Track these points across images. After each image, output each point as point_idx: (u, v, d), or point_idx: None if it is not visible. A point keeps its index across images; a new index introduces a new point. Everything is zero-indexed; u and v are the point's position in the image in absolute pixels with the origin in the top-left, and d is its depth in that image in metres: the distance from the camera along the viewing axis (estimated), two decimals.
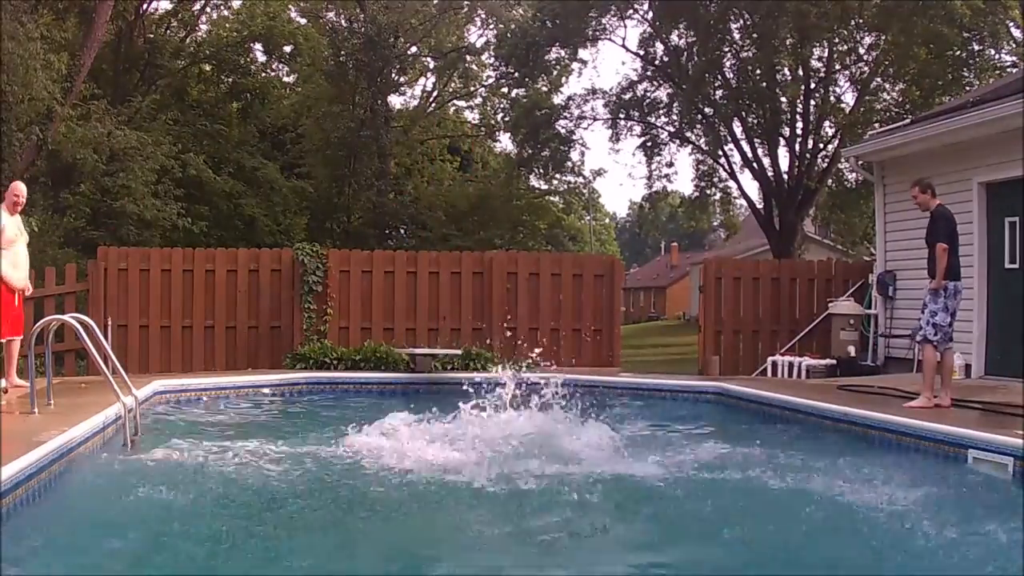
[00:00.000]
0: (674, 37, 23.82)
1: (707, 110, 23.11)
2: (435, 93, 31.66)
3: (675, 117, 24.59)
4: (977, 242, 10.03)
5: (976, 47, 19.55)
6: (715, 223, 35.30)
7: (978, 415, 6.84)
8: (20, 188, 8.14)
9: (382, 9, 25.10)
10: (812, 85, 21.96)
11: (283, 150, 27.26)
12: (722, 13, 21.52)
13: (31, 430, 5.26)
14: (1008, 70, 18.48)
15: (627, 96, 24.67)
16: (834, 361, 11.46)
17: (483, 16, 28.54)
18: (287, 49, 28.51)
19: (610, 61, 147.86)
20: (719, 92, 22.97)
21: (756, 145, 23.07)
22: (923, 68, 19.66)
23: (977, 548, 4.16)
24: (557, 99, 26.61)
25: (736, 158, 23.84)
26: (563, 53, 25.43)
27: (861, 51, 21.48)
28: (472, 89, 31.24)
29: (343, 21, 27.44)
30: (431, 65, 30.45)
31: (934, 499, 4.92)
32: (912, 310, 11.16)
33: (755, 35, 21.40)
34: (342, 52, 25.13)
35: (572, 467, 5.64)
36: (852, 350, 11.58)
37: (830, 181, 23.27)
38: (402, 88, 30.35)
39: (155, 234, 19.10)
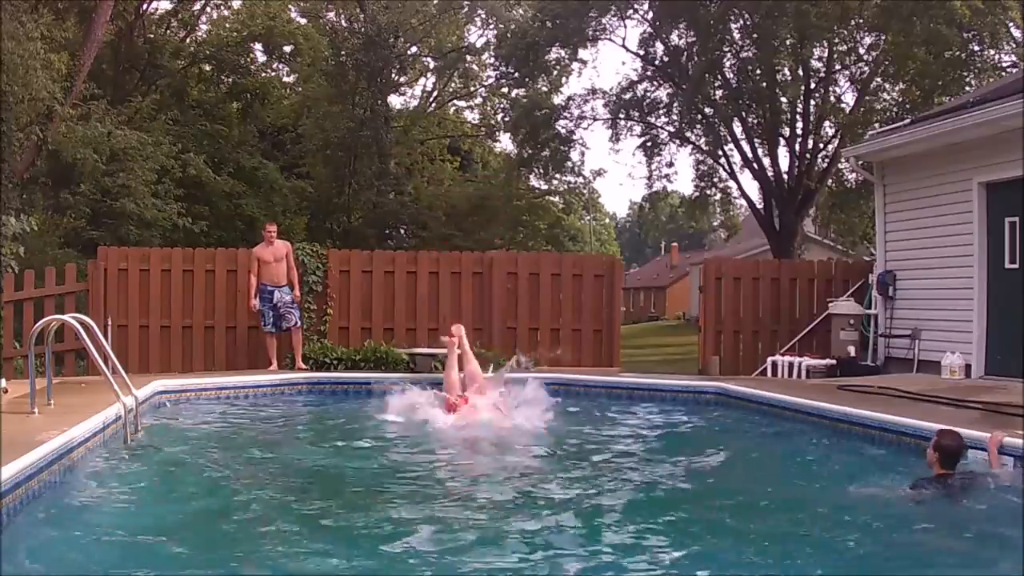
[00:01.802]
0: (674, 37, 23.80)
1: (707, 110, 23.11)
2: (435, 93, 31.67)
3: (675, 117, 24.57)
4: (977, 242, 10.03)
5: (976, 47, 19.54)
6: (715, 223, 35.27)
7: (978, 415, 6.84)
8: None
9: (382, 9, 25.09)
10: (812, 85, 21.95)
11: (283, 150, 27.23)
12: (722, 13, 21.49)
13: (31, 430, 5.25)
14: (1008, 70, 18.48)
15: (627, 96, 24.65)
16: (834, 361, 11.44)
17: (483, 16, 28.52)
18: (287, 49, 28.48)
19: (610, 61, 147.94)
20: (719, 92, 22.96)
21: (756, 145, 23.06)
22: (923, 68, 19.64)
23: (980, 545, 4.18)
24: (557, 99, 26.60)
25: (736, 158, 23.86)
26: (563, 53, 25.41)
27: (861, 51, 21.47)
28: (472, 89, 31.24)
29: (343, 21, 27.44)
30: (431, 65, 30.44)
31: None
32: (912, 310, 11.19)
33: (755, 35, 21.38)
34: (342, 52, 25.12)
35: None
36: (852, 350, 11.57)
37: (830, 181, 23.26)
38: (402, 88, 30.38)
39: (155, 234, 19.08)
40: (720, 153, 24.08)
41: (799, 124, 22.49)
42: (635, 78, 24.84)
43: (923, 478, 5.08)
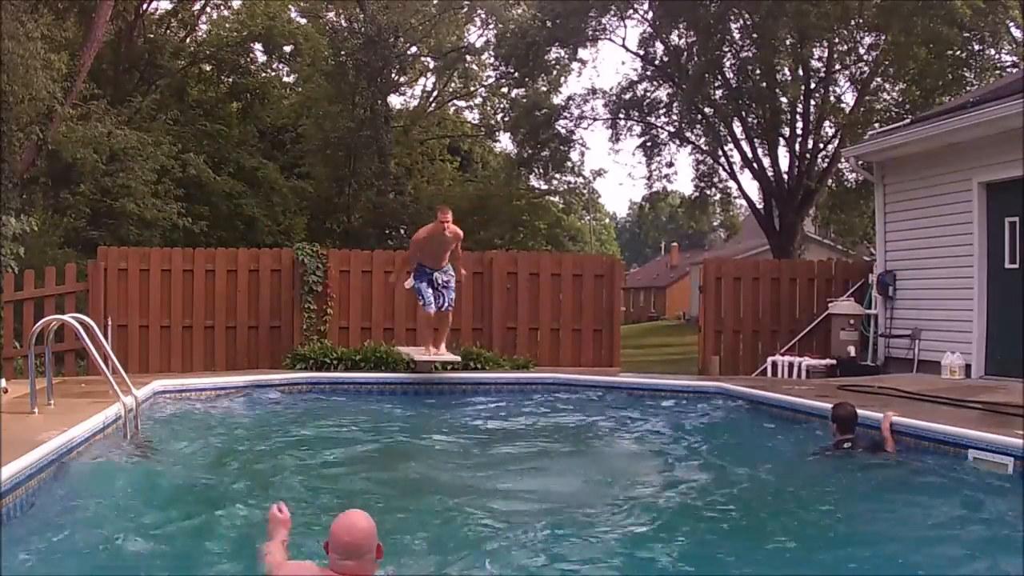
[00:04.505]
0: (674, 37, 23.81)
1: (707, 110, 23.10)
2: (435, 93, 31.68)
3: (675, 117, 24.58)
4: (977, 242, 10.03)
5: (976, 47, 19.54)
6: (715, 223, 35.29)
7: (978, 415, 6.83)
8: None
9: (382, 9, 25.09)
10: (812, 85, 21.94)
11: (283, 150, 27.25)
12: (722, 13, 21.49)
13: (31, 430, 5.26)
14: (1008, 70, 18.48)
15: (627, 96, 24.65)
16: (834, 361, 11.44)
17: (483, 16, 28.54)
18: (287, 49, 28.50)
19: (610, 61, 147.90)
20: (719, 92, 22.96)
21: (756, 145, 23.06)
22: (923, 68, 19.65)
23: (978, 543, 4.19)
24: (557, 99, 26.64)
25: (736, 158, 23.86)
26: (563, 53, 25.41)
27: (861, 51, 21.46)
28: (472, 89, 31.25)
29: (343, 21, 27.44)
30: (431, 65, 30.46)
31: (934, 496, 4.95)
32: (912, 310, 11.19)
33: (755, 35, 21.38)
34: (342, 52, 25.12)
35: None
36: (852, 350, 11.57)
37: (830, 181, 23.26)
38: (402, 88, 30.37)
39: (155, 234, 19.09)
40: (720, 153, 24.09)
41: (799, 124, 22.48)
42: (635, 78, 24.88)
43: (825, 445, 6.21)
